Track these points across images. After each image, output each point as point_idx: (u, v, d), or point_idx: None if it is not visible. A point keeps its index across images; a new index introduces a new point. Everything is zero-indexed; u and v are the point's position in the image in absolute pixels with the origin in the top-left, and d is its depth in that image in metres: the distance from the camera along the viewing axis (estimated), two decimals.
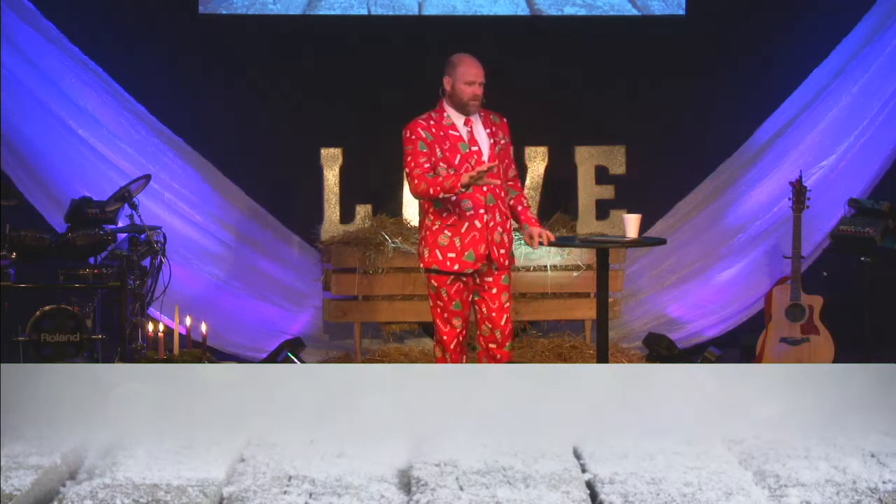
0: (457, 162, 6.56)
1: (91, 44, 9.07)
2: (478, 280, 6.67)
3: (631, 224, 6.98)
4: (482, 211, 6.60)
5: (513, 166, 6.79)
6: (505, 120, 6.78)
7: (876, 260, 8.67)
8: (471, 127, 6.63)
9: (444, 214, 6.60)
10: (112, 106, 9.11)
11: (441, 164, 6.55)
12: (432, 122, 6.61)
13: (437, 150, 6.56)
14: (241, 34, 9.46)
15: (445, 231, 6.60)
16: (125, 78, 9.14)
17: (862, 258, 8.67)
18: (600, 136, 9.39)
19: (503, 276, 6.69)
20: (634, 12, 9.63)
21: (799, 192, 8.53)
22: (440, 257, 6.60)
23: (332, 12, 9.51)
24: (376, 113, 9.42)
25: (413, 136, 6.58)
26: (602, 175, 9.32)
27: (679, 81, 9.61)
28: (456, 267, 6.58)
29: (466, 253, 6.59)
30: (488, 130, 6.66)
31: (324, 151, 9.17)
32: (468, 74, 6.59)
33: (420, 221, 6.79)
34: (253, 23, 9.48)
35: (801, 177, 8.65)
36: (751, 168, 9.51)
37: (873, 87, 9.31)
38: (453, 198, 6.55)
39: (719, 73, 9.60)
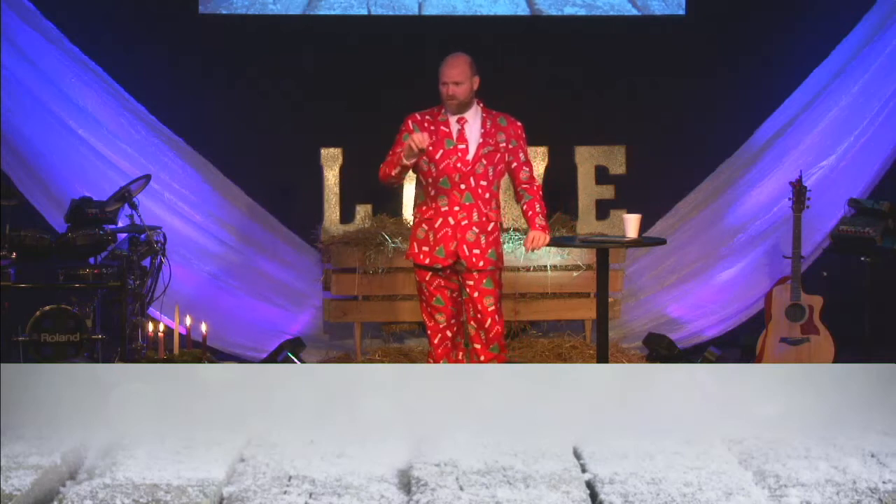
0: (438, 157, 6.65)
1: (91, 44, 9.06)
2: (461, 279, 6.70)
3: (631, 224, 6.98)
4: (456, 208, 6.67)
5: (525, 168, 6.78)
6: (519, 123, 6.79)
7: (876, 260, 8.67)
8: (462, 125, 6.67)
9: (424, 208, 6.75)
10: (112, 106, 9.11)
11: (423, 157, 6.62)
12: (427, 117, 6.72)
13: None
14: (241, 34, 9.46)
15: (423, 225, 6.74)
16: (125, 78, 9.13)
17: (862, 258, 8.67)
18: (600, 136, 9.38)
19: (485, 280, 6.70)
20: (634, 12, 9.63)
21: (799, 192, 8.53)
22: (416, 250, 6.73)
23: (332, 12, 9.51)
24: (376, 113, 9.40)
25: (402, 127, 6.75)
26: (602, 175, 9.32)
27: (679, 81, 9.61)
28: (427, 261, 6.69)
29: (437, 248, 6.67)
30: (483, 131, 6.67)
31: (324, 151, 9.17)
32: (441, 74, 6.72)
33: None
34: (253, 23, 9.48)
35: (801, 177, 8.65)
36: (751, 168, 9.50)
37: (873, 87, 9.31)
38: (432, 192, 6.65)
39: (719, 73, 9.59)
